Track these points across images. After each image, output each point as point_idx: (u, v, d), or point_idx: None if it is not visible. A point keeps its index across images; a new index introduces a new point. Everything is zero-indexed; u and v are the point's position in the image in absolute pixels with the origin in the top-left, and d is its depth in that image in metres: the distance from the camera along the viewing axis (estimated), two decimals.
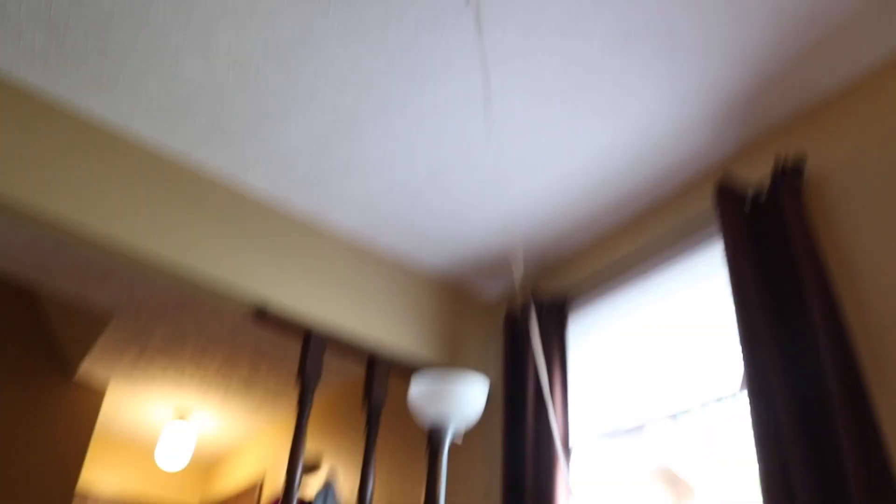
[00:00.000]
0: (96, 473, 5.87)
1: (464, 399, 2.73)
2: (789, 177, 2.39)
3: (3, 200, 2.53)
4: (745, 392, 2.29)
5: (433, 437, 3.28)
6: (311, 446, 4.70)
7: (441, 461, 2.79)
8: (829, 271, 2.23)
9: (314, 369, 3.09)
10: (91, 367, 5.02)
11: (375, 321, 3.32)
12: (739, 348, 2.38)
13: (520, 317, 3.28)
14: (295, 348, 4.34)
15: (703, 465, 3.53)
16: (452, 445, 2.76)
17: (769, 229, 2.41)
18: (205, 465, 6.41)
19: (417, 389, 2.80)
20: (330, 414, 4.75)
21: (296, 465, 2.93)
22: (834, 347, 2.08)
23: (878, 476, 1.92)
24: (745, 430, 2.36)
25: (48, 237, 3.58)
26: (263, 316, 3.01)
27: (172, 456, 5.47)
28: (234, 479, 5.75)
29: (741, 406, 2.56)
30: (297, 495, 2.89)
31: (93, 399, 5.13)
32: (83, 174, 2.75)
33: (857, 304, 2.22)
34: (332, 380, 4.71)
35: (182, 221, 2.92)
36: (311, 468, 4.59)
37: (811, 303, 2.17)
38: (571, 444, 2.96)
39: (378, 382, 3.24)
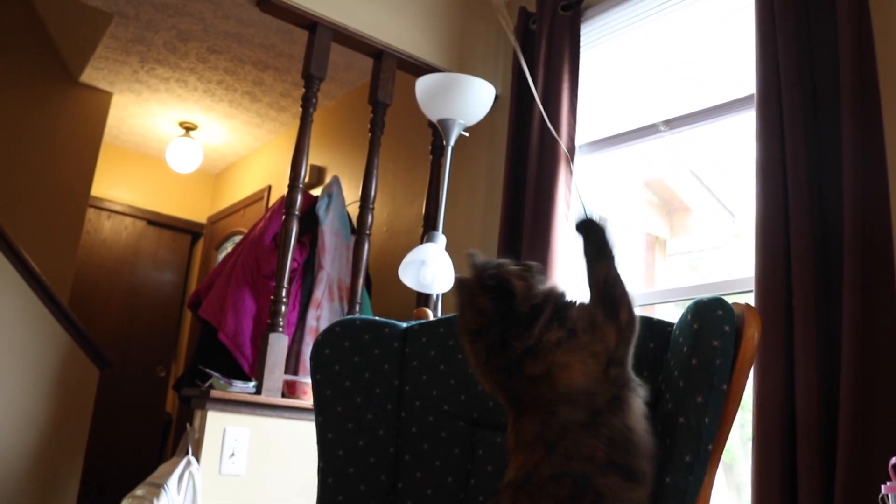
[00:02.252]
0: (109, 185, 6.01)
1: (471, 92, 2.72)
2: None
3: None
4: (755, 107, 2.26)
5: (439, 132, 3.31)
6: (314, 160, 4.76)
7: (445, 157, 2.84)
8: None
9: (319, 65, 3.04)
10: (94, 76, 4.96)
11: (383, 14, 3.21)
12: (755, 54, 2.31)
13: (533, 17, 3.17)
14: (298, 59, 4.26)
15: (700, 182, 3.60)
16: (459, 139, 2.77)
17: None
18: (212, 176, 6.55)
19: (426, 82, 2.78)
20: (333, 131, 4.76)
21: (300, 161, 2.98)
22: (855, 59, 2.02)
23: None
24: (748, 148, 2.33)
25: None
26: (266, 3, 2.91)
27: (181, 162, 5.57)
28: (242, 188, 5.90)
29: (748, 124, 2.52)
30: (301, 187, 2.96)
31: (100, 101, 5.12)
32: None
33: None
34: (336, 91, 4.68)
35: None
36: (314, 185, 4.69)
37: (840, 16, 2.08)
38: (576, 149, 2.98)
39: (385, 77, 3.20)
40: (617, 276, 1.21)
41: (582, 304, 1.24)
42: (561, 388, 1.15)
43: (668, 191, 3.62)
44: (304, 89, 3.05)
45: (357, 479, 1.54)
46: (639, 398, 1.17)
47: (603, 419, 1.13)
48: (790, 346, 1.98)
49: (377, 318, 1.70)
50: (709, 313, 1.21)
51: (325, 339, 1.63)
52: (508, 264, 1.29)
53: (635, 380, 1.19)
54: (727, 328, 1.19)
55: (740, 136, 2.69)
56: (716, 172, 3.43)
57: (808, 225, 2.02)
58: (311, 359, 1.63)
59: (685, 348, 1.22)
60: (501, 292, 1.23)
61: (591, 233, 1.25)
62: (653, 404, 1.26)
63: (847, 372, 1.84)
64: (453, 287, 1.36)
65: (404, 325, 1.69)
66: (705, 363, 1.17)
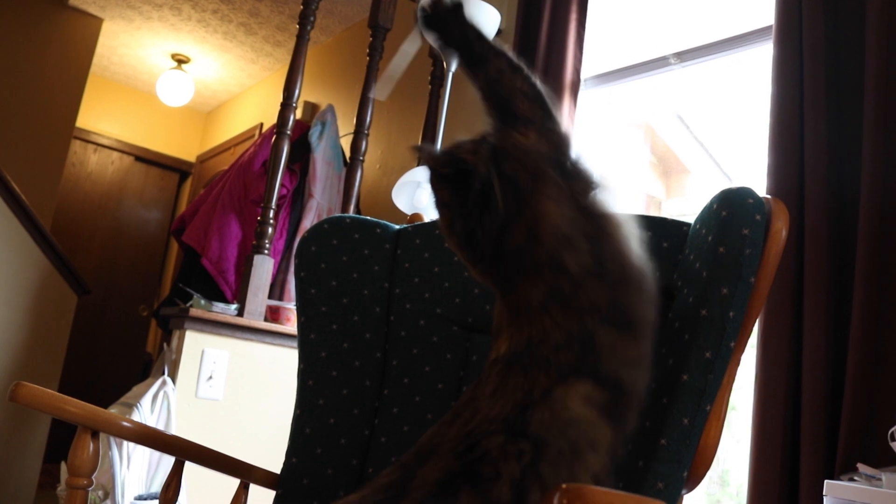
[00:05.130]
0: (97, 118, 5.84)
1: (476, 15, 2.58)
2: None
3: None
4: (772, 39, 2.14)
5: (438, 62, 3.19)
6: (309, 96, 4.62)
7: (445, 87, 2.72)
8: None
9: None
10: (84, 1, 4.78)
11: None
12: None
13: None
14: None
15: (700, 144, 3.48)
16: (459, 70, 2.63)
17: None
18: (203, 115, 6.38)
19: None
20: (330, 68, 4.62)
21: (295, 79, 2.84)
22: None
23: None
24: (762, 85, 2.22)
25: None
26: None
27: (172, 95, 5.40)
28: (233, 127, 5.74)
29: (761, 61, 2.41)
30: (294, 107, 2.83)
31: (90, 27, 4.94)
32: None
33: None
34: (335, 27, 4.52)
35: None
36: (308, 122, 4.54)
37: None
38: (581, 83, 2.86)
39: (387, 1, 3.06)
40: (510, 66, 1.07)
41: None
42: (548, 241, 0.95)
43: (667, 150, 3.51)
44: (301, 6, 2.90)
45: (340, 383, 1.43)
46: (623, 227, 1.00)
47: (597, 246, 0.96)
48: (798, 309, 1.87)
49: (368, 217, 1.58)
50: (738, 201, 1.09)
51: (312, 236, 1.51)
52: (463, 143, 1.07)
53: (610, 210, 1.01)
54: (758, 217, 1.07)
55: (749, 80, 2.59)
56: (716, 132, 3.31)
57: (823, 178, 1.90)
58: (296, 256, 1.51)
59: (710, 237, 1.10)
60: (460, 176, 1.00)
61: (450, 25, 1.08)
62: (668, 302, 1.16)
63: (856, 329, 1.73)
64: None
65: (397, 227, 1.57)
66: (734, 252, 1.05)
